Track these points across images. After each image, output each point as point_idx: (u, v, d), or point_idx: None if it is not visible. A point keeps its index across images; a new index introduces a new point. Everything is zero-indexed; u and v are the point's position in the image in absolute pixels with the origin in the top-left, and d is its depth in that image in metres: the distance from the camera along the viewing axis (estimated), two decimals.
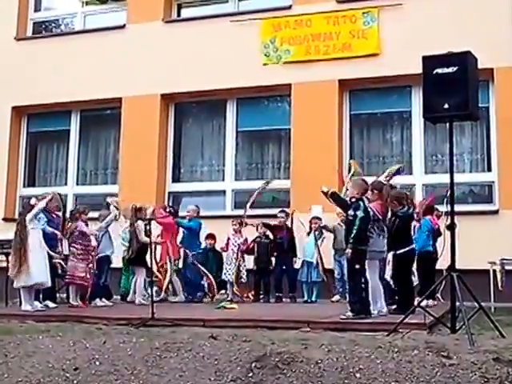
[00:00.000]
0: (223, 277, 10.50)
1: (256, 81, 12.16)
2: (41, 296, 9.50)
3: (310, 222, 10.52)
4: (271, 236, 10.75)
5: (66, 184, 13.66)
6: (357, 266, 7.54)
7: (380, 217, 7.86)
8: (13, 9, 14.13)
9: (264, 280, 10.70)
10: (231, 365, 5.68)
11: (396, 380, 5.27)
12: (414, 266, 8.68)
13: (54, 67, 13.29)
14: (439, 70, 6.79)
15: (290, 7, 12.31)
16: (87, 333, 6.93)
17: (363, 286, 7.62)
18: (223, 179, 12.81)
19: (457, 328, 6.68)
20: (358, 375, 5.37)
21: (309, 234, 10.49)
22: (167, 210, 10.97)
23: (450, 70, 6.74)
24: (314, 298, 10.37)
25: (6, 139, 13.77)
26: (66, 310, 9.16)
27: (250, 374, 5.53)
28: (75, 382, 5.77)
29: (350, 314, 7.47)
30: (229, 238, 10.57)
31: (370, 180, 9.37)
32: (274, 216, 10.95)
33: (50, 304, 9.48)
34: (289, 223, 10.74)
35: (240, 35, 12.28)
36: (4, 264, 10.09)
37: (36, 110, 13.85)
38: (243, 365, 5.65)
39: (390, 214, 8.01)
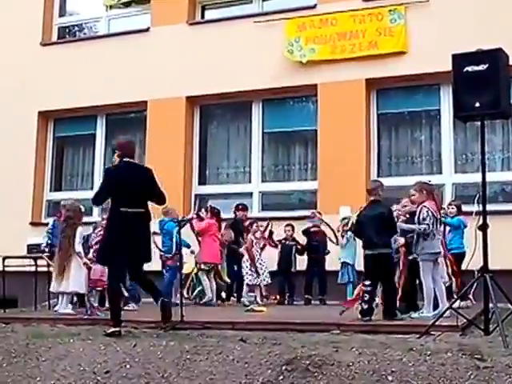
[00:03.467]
0: (247, 281, 10.40)
1: (281, 82, 12.11)
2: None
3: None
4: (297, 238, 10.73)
5: (92, 188, 13.70)
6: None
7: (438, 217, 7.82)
8: (38, 14, 14.25)
9: (288, 282, 10.70)
10: (261, 368, 5.64)
11: (429, 383, 5.19)
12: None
13: (79, 72, 13.38)
14: (469, 68, 6.68)
15: (314, 6, 12.22)
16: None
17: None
18: (250, 181, 12.77)
19: (490, 330, 6.56)
20: (390, 378, 5.30)
21: (343, 236, 10.39)
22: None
23: (481, 67, 6.63)
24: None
25: (32, 144, 13.89)
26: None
27: (281, 377, 5.49)
28: None
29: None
30: (252, 241, 10.48)
31: (397, 181, 9.37)
32: (301, 218, 10.90)
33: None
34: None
35: (264, 36, 12.23)
36: (33, 268, 10.18)
37: (62, 114, 13.96)
38: (273, 368, 5.61)
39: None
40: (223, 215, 11.12)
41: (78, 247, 9.02)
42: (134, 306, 9.91)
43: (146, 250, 7.38)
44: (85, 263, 9.02)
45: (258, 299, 10.34)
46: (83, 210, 9.63)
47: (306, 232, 10.72)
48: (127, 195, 7.11)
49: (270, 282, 10.47)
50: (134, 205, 7.11)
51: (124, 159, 7.48)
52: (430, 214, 7.70)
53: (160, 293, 7.57)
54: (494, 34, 9.65)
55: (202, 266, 10.53)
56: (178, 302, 9.50)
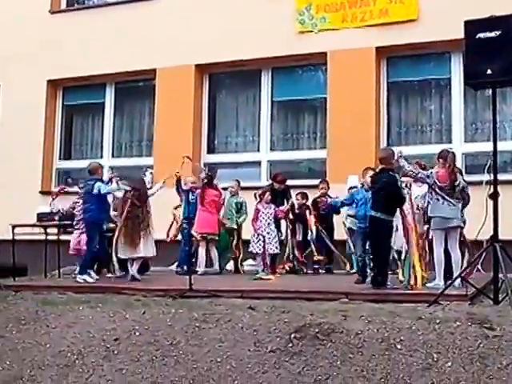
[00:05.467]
0: (251, 249, 10.19)
1: (291, 50, 11.97)
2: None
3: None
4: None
5: (101, 157, 13.71)
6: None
7: (440, 184, 7.79)
8: None
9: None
10: (270, 336, 5.68)
11: (438, 351, 5.21)
12: None
13: (88, 40, 13.27)
14: (481, 35, 6.60)
15: None
16: (126, 304, 6.98)
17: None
18: (258, 150, 12.72)
19: (499, 299, 6.55)
20: (398, 346, 5.33)
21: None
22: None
23: (493, 34, 6.55)
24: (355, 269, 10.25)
25: (42, 113, 13.85)
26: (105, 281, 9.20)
27: (290, 345, 5.53)
28: (115, 352, 5.85)
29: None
30: (259, 210, 10.32)
31: (407, 150, 9.30)
32: (311, 187, 10.84)
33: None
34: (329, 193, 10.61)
35: (275, 3, 12.04)
36: (42, 237, 10.22)
37: (71, 83, 13.89)
38: (282, 336, 5.65)
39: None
40: (228, 183, 11.00)
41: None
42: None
43: None
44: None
45: (263, 268, 10.24)
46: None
47: (314, 202, 10.65)
48: None
49: (277, 251, 10.38)
50: None
51: None
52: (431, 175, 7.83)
53: None
54: (507, 0, 9.46)
55: (198, 237, 10.39)
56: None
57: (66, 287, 8.59)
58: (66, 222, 10.09)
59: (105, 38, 13.15)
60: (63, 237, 10.25)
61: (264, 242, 10.06)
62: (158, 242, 9.65)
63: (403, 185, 8.15)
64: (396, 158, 7.97)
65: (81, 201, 9.72)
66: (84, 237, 9.51)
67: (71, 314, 6.63)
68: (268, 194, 10.34)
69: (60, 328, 6.33)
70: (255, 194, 10.50)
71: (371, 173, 8.71)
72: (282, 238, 10.53)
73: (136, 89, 13.84)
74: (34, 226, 10.21)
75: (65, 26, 13.71)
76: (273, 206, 10.28)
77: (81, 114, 14.33)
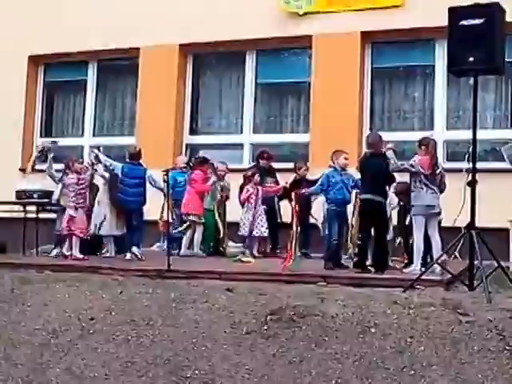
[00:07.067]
0: (241, 232, 10.23)
1: (276, 32, 11.89)
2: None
3: None
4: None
5: (82, 135, 13.62)
6: None
7: (424, 172, 7.84)
8: None
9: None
10: (246, 317, 5.70)
11: (411, 336, 5.26)
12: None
13: (71, 15, 13.04)
14: (465, 22, 6.61)
15: None
16: (103, 283, 6.96)
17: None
18: (241, 132, 12.68)
19: (474, 286, 6.62)
20: (373, 330, 5.37)
21: None
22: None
23: (477, 21, 6.56)
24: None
25: (22, 89, 13.66)
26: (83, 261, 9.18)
27: (265, 327, 5.55)
28: (91, 331, 5.83)
29: None
30: (249, 191, 10.24)
31: (389, 136, 9.32)
32: (291, 170, 10.84)
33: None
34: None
35: None
36: (22, 214, 10.16)
37: (53, 59, 13.71)
38: (258, 317, 5.66)
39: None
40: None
41: None
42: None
43: None
44: None
45: (254, 251, 10.22)
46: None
47: (292, 184, 10.58)
48: None
49: (265, 235, 10.34)
50: None
51: None
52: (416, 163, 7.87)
53: None
54: None
55: (183, 218, 10.35)
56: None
57: (44, 265, 8.55)
58: (44, 200, 10.03)
59: (88, 15, 12.93)
60: (42, 215, 10.18)
61: (253, 224, 10.08)
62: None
63: None
64: (385, 149, 8.03)
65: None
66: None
67: (47, 292, 6.60)
68: (257, 175, 10.34)
69: (36, 306, 6.30)
70: (244, 175, 10.47)
71: (345, 155, 8.69)
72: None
73: (119, 67, 13.70)
74: (12, 203, 10.14)
75: (48, 1, 13.50)
76: (260, 188, 10.28)
77: (62, 92, 14.17)
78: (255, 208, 10.18)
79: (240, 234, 10.29)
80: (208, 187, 10.35)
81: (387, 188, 8.35)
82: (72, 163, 9.56)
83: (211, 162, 10.58)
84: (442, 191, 8.07)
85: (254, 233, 10.17)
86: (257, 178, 10.31)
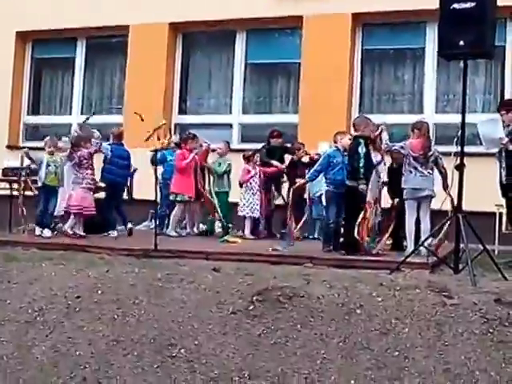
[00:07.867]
0: (241, 213, 10.19)
1: (267, 12, 11.82)
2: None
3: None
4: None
5: (70, 113, 13.52)
6: None
7: (414, 154, 7.86)
8: None
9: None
10: (232, 297, 5.70)
11: (396, 317, 5.29)
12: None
13: None
14: (456, 5, 6.58)
15: None
16: (90, 262, 6.96)
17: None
18: (230, 112, 12.64)
19: (460, 269, 6.66)
20: (358, 311, 5.40)
21: None
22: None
23: (468, 5, 6.53)
24: (316, 235, 10.30)
25: (9, 65, 13.54)
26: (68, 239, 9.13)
27: (251, 307, 5.56)
28: (77, 309, 5.82)
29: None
30: (249, 171, 10.23)
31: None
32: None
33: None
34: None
35: None
36: (8, 192, 10.10)
37: (41, 35, 13.58)
38: (244, 298, 5.67)
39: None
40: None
41: None
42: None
43: None
44: None
45: (247, 231, 10.22)
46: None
47: (288, 166, 10.58)
48: None
49: (257, 215, 10.30)
50: None
51: None
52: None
53: None
54: None
55: (171, 197, 10.21)
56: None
57: (30, 243, 8.52)
58: (32, 178, 9.96)
59: None
60: (29, 192, 10.11)
61: (252, 204, 10.07)
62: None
63: None
64: (379, 131, 8.01)
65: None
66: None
67: (34, 270, 6.57)
68: (257, 155, 10.31)
69: (22, 284, 6.27)
70: (244, 156, 10.44)
71: (350, 136, 8.64)
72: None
73: (108, 45, 13.59)
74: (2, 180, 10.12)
75: None
76: (258, 168, 10.27)
77: (50, 69, 14.05)
78: (254, 188, 10.18)
79: (239, 214, 10.26)
80: (181, 165, 10.10)
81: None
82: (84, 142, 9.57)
83: (193, 137, 10.48)
84: (444, 177, 7.98)
85: (245, 213, 10.18)
86: (256, 157, 10.30)
